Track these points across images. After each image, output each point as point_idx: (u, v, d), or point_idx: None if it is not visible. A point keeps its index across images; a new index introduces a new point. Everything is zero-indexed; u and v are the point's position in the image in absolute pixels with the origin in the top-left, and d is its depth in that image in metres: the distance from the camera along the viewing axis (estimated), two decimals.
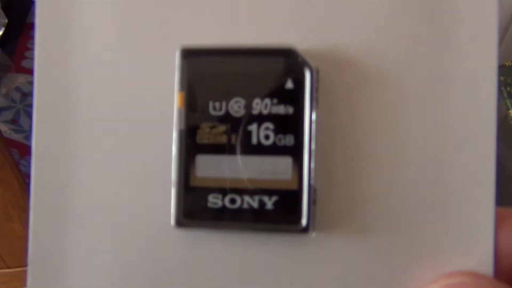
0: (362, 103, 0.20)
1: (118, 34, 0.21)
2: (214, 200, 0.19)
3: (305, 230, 0.19)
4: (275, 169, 0.19)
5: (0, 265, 0.84)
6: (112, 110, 0.21)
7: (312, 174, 0.19)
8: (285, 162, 0.19)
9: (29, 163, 0.21)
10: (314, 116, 0.19)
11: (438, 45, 0.20)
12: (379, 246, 0.20)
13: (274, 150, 0.19)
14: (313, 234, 0.19)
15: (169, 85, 0.20)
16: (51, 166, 0.21)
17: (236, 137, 0.19)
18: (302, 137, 0.19)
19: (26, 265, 0.21)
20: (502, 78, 0.62)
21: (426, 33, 0.20)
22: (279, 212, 0.19)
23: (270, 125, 0.19)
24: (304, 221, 0.19)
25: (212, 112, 0.19)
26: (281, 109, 0.19)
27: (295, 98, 0.19)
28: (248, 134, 0.19)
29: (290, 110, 0.19)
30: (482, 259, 0.19)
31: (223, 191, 0.19)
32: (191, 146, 0.19)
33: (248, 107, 0.19)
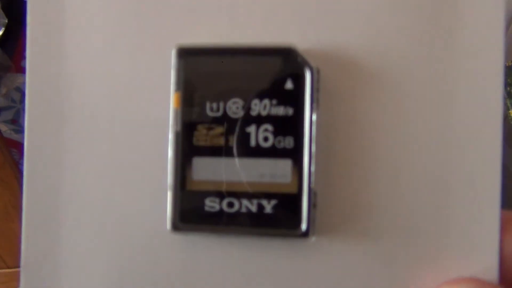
0: (363, 104, 0.19)
1: (112, 32, 0.20)
2: (211, 204, 0.19)
3: (305, 234, 0.19)
4: (274, 172, 0.19)
5: (0, 265, 0.84)
6: (106, 111, 0.20)
7: (312, 177, 0.18)
8: (284, 165, 0.19)
9: None
10: (314, 118, 0.18)
11: (441, 44, 0.19)
12: (381, 250, 0.19)
13: (273, 152, 0.19)
14: (313, 239, 0.19)
15: (165, 85, 0.19)
16: (43, 168, 0.21)
17: (234, 139, 0.19)
18: (302, 139, 0.19)
19: None
20: None
21: (429, 32, 0.19)
22: (279, 216, 0.19)
23: (269, 126, 0.19)
24: (304, 226, 0.18)
25: (209, 113, 0.19)
26: (280, 110, 0.19)
27: (295, 98, 0.19)
28: (246, 136, 0.19)
29: (290, 111, 0.19)
30: (487, 265, 0.19)
31: (221, 195, 0.19)
32: (188, 148, 0.19)
33: (247, 108, 0.19)
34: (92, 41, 0.20)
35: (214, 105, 0.19)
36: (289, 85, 0.19)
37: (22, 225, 0.21)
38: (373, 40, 0.19)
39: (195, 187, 0.19)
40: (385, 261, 0.19)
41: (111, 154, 0.20)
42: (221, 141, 0.19)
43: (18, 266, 0.20)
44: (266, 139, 0.19)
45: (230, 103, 0.19)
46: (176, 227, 0.19)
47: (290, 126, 0.19)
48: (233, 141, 0.19)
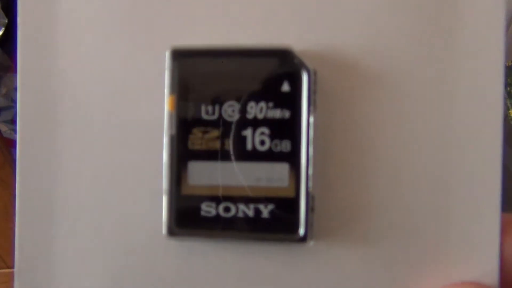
0: (362, 106, 0.19)
1: (105, 33, 0.20)
2: (207, 209, 0.19)
3: (303, 239, 0.18)
4: (271, 176, 0.18)
5: (0, 265, 0.84)
6: (100, 114, 0.20)
7: (310, 181, 0.18)
8: (281, 169, 0.18)
9: None
10: (311, 120, 0.18)
11: (441, 45, 0.19)
12: (380, 255, 0.19)
13: (270, 156, 0.18)
14: (311, 243, 0.19)
15: (159, 88, 0.19)
16: (37, 172, 0.20)
17: (230, 142, 0.19)
18: (299, 142, 0.18)
19: None
20: None
21: (428, 32, 0.19)
22: (276, 221, 0.18)
23: (265, 129, 0.18)
24: (301, 230, 0.18)
25: (204, 116, 0.19)
26: (277, 113, 0.18)
27: (291, 101, 0.18)
28: (243, 140, 0.18)
29: (287, 114, 0.18)
30: (487, 268, 0.19)
31: (217, 199, 0.19)
32: (183, 152, 0.19)
33: (243, 111, 0.18)
34: (85, 43, 0.20)
35: (210, 108, 0.19)
36: (285, 87, 0.18)
37: (15, 230, 0.20)
38: (371, 41, 0.19)
39: (190, 192, 0.19)
40: (384, 264, 0.19)
41: (105, 157, 0.20)
42: (217, 145, 0.19)
43: None
44: (262, 142, 0.18)
45: (225, 106, 0.19)
46: (172, 232, 0.19)
47: (287, 129, 0.18)
48: (229, 145, 0.19)
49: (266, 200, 0.18)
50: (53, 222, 0.20)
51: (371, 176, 0.19)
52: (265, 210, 0.18)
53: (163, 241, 0.19)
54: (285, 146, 0.18)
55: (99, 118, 0.20)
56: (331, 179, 0.19)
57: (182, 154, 0.19)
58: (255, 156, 0.18)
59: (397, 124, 0.19)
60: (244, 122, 0.18)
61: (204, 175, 0.19)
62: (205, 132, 0.19)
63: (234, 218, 0.18)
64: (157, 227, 0.19)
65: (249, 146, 0.18)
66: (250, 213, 0.18)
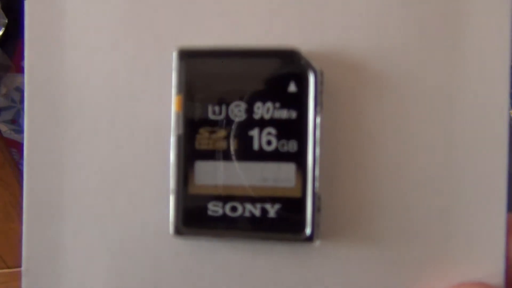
0: (368, 107, 0.19)
1: (112, 34, 0.20)
2: (214, 208, 0.19)
3: (310, 239, 0.18)
4: (278, 176, 0.18)
5: (0, 265, 0.84)
6: (107, 114, 0.20)
7: (317, 181, 0.18)
8: (288, 169, 0.18)
9: None
10: (318, 121, 0.18)
11: (446, 46, 0.19)
12: (386, 255, 0.19)
13: (277, 156, 0.18)
14: (317, 243, 0.19)
15: (166, 88, 0.19)
16: (44, 173, 0.20)
17: (236, 142, 0.19)
18: (306, 143, 0.18)
19: None
20: None
21: (434, 33, 0.19)
22: (282, 221, 0.18)
23: (272, 130, 0.18)
24: (308, 230, 0.18)
25: (211, 116, 0.19)
26: (283, 113, 0.18)
27: (298, 101, 0.18)
28: (249, 140, 0.18)
29: (293, 114, 0.18)
30: (493, 269, 0.19)
31: (224, 199, 0.19)
32: (190, 152, 0.19)
33: (249, 111, 0.19)
34: (92, 43, 0.20)
35: (216, 108, 0.19)
36: (292, 87, 0.18)
37: (23, 229, 0.20)
38: (377, 42, 0.19)
39: (197, 191, 0.19)
40: (390, 264, 0.19)
41: (112, 157, 0.20)
42: (224, 145, 0.19)
43: (18, 266, 0.20)
44: (269, 142, 0.18)
45: (232, 106, 0.19)
46: (179, 231, 0.19)
47: (294, 129, 0.18)
48: (236, 145, 0.19)
49: (273, 200, 0.18)
50: (60, 221, 0.20)
51: (377, 176, 0.19)
52: (272, 210, 0.18)
53: (170, 241, 0.19)
54: (291, 146, 0.18)
55: (106, 118, 0.20)
56: (337, 179, 0.19)
57: (189, 154, 0.19)
58: (261, 156, 0.18)
59: (403, 125, 0.19)
60: (251, 122, 0.19)
61: (211, 174, 0.19)
62: (212, 132, 0.19)
63: (241, 218, 0.19)
64: (164, 227, 0.19)
65: (255, 146, 0.19)
66: (257, 212, 0.18)
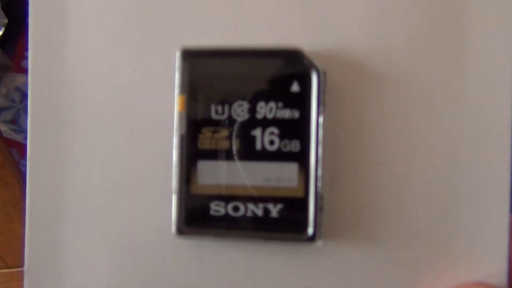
0: (370, 107, 0.19)
1: (115, 33, 0.20)
2: (216, 208, 0.19)
3: (312, 238, 0.18)
4: (280, 176, 0.18)
5: (0, 265, 0.84)
6: (110, 114, 0.20)
7: (319, 181, 0.18)
8: (290, 169, 0.18)
9: None
10: (321, 120, 0.18)
11: (450, 46, 0.19)
12: (388, 255, 0.19)
13: (279, 156, 0.18)
14: (320, 243, 0.19)
15: (169, 88, 0.19)
16: (46, 172, 0.20)
17: (239, 142, 0.19)
18: (309, 143, 0.18)
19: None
20: None
21: (438, 33, 0.19)
22: (285, 221, 0.18)
23: (275, 130, 0.18)
24: (310, 230, 0.18)
25: (214, 116, 0.19)
26: (286, 113, 0.18)
27: (301, 101, 0.18)
28: (252, 139, 0.18)
29: (296, 114, 0.18)
30: (496, 269, 0.19)
31: (226, 199, 0.19)
32: (192, 151, 0.19)
33: (252, 111, 0.19)
34: (95, 43, 0.20)
35: (219, 108, 0.19)
36: (295, 87, 0.18)
37: (25, 228, 0.20)
38: (380, 42, 0.19)
39: (200, 191, 0.19)
40: (391, 265, 0.19)
41: (114, 157, 0.20)
42: (226, 145, 0.19)
43: (18, 266, 0.20)
44: (272, 142, 0.18)
45: (235, 106, 0.19)
46: (181, 231, 0.19)
47: (296, 129, 0.18)
48: (239, 145, 0.19)
49: (275, 199, 0.18)
50: (62, 221, 0.20)
51: (379, 176, 0.19)
52: (274, 210, 0.18)
53: (172, 240, 0.19)
54: (294, 146, 0.18)
55: (109, 118, 0.20)
56: (339, 179, 0.19)
57: (192, 154, 0.19)
58: (264, 156, 0.18)
59: (405, 125, 0.19)
60: (254, 122, 0.19)
61: (214, 174, 0.19)
62: (214, 132, 0.19)
63: (243, 218, 0.19)
64: (166, 226, 0.19)
65: (258, 146, 0.19)
66: (259, 212, 0.18)
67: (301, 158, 0.18)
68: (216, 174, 0.19)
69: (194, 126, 0.19)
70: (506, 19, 0.19)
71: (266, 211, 0.18)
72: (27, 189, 0.20)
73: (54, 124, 0.20)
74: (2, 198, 0.79)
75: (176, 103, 0.19)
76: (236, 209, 0.19)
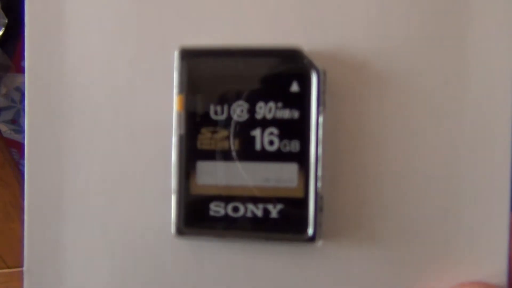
0: (370, 107, 0.19)
1: (113, 33, 0.20)
2: (216, 208, 0.19)
3: (312, 239, 0.18)
4: (280, 176, 0.18)
5: (0, 265, 0.84)
6: (108, 114, 0.20)
7: (319, 181, 0.18)
8: (290, 169, 0.18)
9: None
10: (321, 120, 0.18)
11: (450, 45, 0.19)
12: (388, 254, 0.19)
13: (279, 156, 0.18)
14: (320, 243, 0.19)
15: (168, 88, 0.19)
16: (45, 172, 0.20)
17: (238, 142, 0.19)
18: (308, 143, 0.18)
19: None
20: None
21: (438, 33, 0.19)
22: (285, 221, 0.18)
23: (274, 130, 0.18)
24: (310, 230, 0.18)
25: (213, 116, 0.19)
26: (286, 113, 0.18)
27: (301, 101, 0.18)
28: (252, 140, 0.18)
29: (296, 114, 0.18)
30: (496, 268, 0.19)
31: (226, 199, 0.19)
32: (192, 152, 0.19)
33: (251, 111, 0.18)
34: (93, 43, 0.20)
35: (218, 108, 0.19)
36: (295, 87, 0.18)
37: (24, 228, 0.20)
38: (380, 41, 0.19)
39: (199, 191, 0.19)
40: (391, 265, 0.19)
41: (113, 158, 0.20)
42: (226, 145, 0.19)
43: (18, 266, 0.20)
44: (271, 142, 0.18)
45: (234, 106, 0.19)
46: (180, 231, 0.19)
47: (296, 129, 0.18)
48: (238, 145, 0.19)
49: (275, 200, 0.18)
50: (61, 221, 0.20)
51: (379, 176, 0.19)
52: (274, 210, 0.18)
53: (172, 240, 0.19)
54: (294, 146, 0.18)
55: (107, 118, 0.20)
56: (339, 179, 0.19)
57: (191, 154, 0.19)
58: (264, 156, 0.18)
59: (405, 125, 0.19)
60: (253, 122, 0.18)
61: (213, 175, 0.19)
62: (214, 132, 0.19)
63: (243, 218, 0.18)
64: (166, 227, 0.19)
65: (258, 146, 0.18)
66: (259, 213, 0.18)
67: (301, 158, 0.18)
68: (215, 175, 0.19)
69: (193, 126, 0.19)
70: (506, 19, 0.19)
71: (266, 211, 0.18)
72: (26, 189, 0.20)
73: (52, 124, 0.20)
74: (2, 198, 0.79)
75: (175, 103, 0.19)
76: (235, 209, 0.19)
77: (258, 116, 0.18)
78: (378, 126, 0.19)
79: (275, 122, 0.18)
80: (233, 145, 0.19)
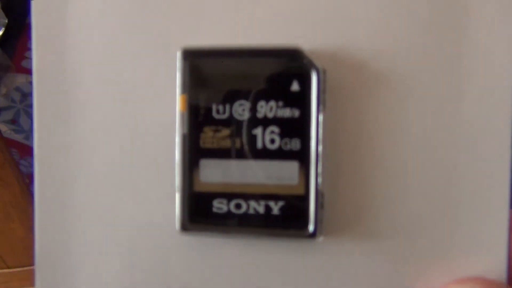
0: (370, 105, 0.19)
1: (116, 34, 0.20)
2: (219, 205, 0.19)
3: (313, 235, 0.19)
4: (281, 174, 0.19)
5: (0, 265, 0.84)
6: (112, 114, 0.20)
7: (320, 179, 0.18)
8: (291, 167, 0.19)
9: (29, 163, 0.21)
10: (321, 119, 0.18)
11: (450, 44, 0.19)
12: (388, 251, 0.19)
13: (280, 154, 0.19)
14: (320, 239, 0.19)
15: (171, 88, 0.19)
16: (54, 171, 0.21)
17: (240, 141, 0.19)
18: (309, 141, 0.18)
19: (26, 265, 0.21)
20: None
21: (438, 32, 0.19)
22: (286, 218, 0.19)
23: (275, 128, 0.19)
24: (311, 227, 0.18)
25: (215, 115, 0.19)
26: (286, 112, 0.19)
27: (301, 100, 0.19)
28: (253, 138, 0.19)
29: (296, 113, 0.19)
30: (495, 264, 0.19)
31: (228, 196, 0.19)
32: (195, 150, 0.19)
33: (253, 110, 0.19)
34: (97, 43, 0.20)
35: (220, 107, 0.19)
36: (295, 86, 0.19)
37: (34, 226, 0.21)
38: (380, 40, 0.19)
39: (202, 189, 0.19)
40: (392, 260, 0.19)
41: (119, 157, 0.20)
42: (228, 143, 0.19)
43: (18, 266, 0.21)
44: (272, 141, 0.19)
45: (236, 105, 0.19)
46: (185, 227, 0.19)
47: (297, 127, 0.19)
48: (240, 143, 0.19)
49: (276, 197, 0.19)
50: (71, 219, 0.21)
51: (379, 173, 0.19)
52: (276, 207, 0.19)
53: (177, 237, 0.20)
54: (294, 144, 0.19)
55: (112, 118, 0.20)
56: (340, 176, 0.19)
57: (194, 153, 0.19)
58: (265, 154, 0.19)
59: (406, 123, 0.19)
60: (255, 121, 0.19)
61: (216, 172, 0.19)
62: (216, 131, 0.19)
63: (245, 215, 0.19)
64: (171, 223, 0.19)
65: (259, 144, 0.19)
66: (261, 209, 0.19)
67: (302, 156, 0.19)
68: (218, 173, 0.19)
69: (196, 125, 0.19)
70: (506, 19, 0.19)
71: (268, 208, 0.19)
72: (35, 188, 0.21)
73: (59, 124, 0.20)
74: (2, 198, 0.79)
75: (178, 103, 0.19)
76: (238, 206, 0.19)
77: (259, 115, 0.19)
78: (378, 124, 0.19)
79: (276, 120, 0.19)
80: (235, 143, 0.19)
